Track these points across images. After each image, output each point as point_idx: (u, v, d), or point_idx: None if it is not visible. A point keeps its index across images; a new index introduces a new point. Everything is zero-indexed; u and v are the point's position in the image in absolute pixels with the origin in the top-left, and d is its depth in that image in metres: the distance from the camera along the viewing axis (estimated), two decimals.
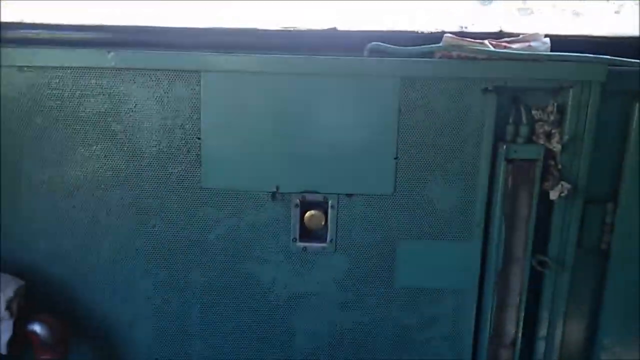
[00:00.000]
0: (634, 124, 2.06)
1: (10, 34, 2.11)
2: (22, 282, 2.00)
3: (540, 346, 2.20)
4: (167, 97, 1.97)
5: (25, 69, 1.96)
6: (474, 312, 2.16)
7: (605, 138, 2.06)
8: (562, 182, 1.99)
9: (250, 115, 1.99)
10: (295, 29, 2.18)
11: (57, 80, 1.96)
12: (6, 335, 1.93)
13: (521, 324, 2.16)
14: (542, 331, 2.18)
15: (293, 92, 1.97)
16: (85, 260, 2.11)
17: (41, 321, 2.01)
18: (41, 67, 1.95)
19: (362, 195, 2.05)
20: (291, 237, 2.09)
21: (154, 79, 1.96)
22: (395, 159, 2.01)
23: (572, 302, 2.19)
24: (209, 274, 2.13)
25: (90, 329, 2.16)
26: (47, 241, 2.09)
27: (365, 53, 2.02)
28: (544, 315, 2.17)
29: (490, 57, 1.94)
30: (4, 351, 1.94)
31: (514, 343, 2.18)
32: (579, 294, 2.22)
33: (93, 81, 1.96)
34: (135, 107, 1.98)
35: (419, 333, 2.19)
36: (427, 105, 1.97)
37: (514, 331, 2.17)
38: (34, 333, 1.99)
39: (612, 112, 2.04)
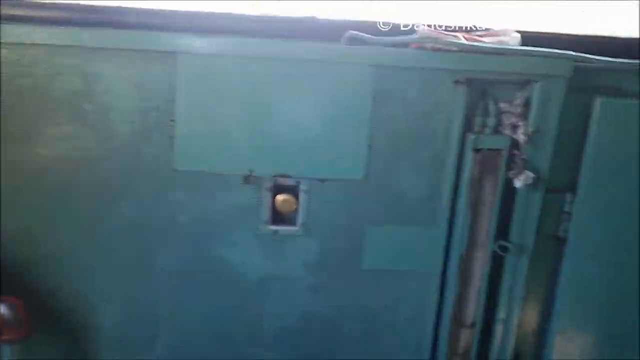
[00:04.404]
0: (593, 118, 2.15)
1: None
2: None
3: (499, 328, 2.30)
4: (142, 78, 1.94)
5: None
6: (437, 295, 2.24)
7: (566, 131, 2.14)
8: (526, 171, 2.07)
9: (225, 99, 1.98)
10: (274, 15, 2.18)
11: (30, 58, 1.91)
12: None
13: (481, 306, 2.25)
14: (501, 314, 2.28)
15: (269, 76, 1.97)
16: (51, 241, 2.07)
17: (5, 301, 1.98)
18: (13, 44, 1.89)
19: (334, 180, 2.08)
20: (262, 221, 2.11)
21: (130, 60, 1.92)
22: (367, 145, 2.05)
23: (529, 287, 2.29)
24: (178, 256, 2.12)
25: (54, 311, 2.13)
26: (11, 221, 2.03)
27: (343, 41, 2.04)
28: (503, 298, 2.26)
29: (462, 49, 1.99)
30: None
31: (473, 325, 2.27)
32: (536, 280, 2.32)
33: (66, 60, 1.91)
34: (109, 87, 1.94)
35: (383, 315, 2.25)
36: (400, 95, 2.01)
37: (473, 313, 2.26)
38: None
39: (573, 106, 2.12)
